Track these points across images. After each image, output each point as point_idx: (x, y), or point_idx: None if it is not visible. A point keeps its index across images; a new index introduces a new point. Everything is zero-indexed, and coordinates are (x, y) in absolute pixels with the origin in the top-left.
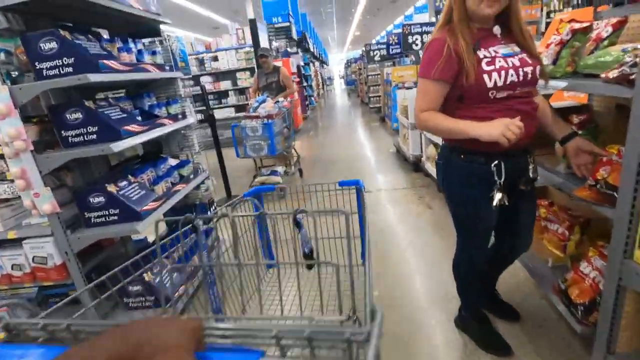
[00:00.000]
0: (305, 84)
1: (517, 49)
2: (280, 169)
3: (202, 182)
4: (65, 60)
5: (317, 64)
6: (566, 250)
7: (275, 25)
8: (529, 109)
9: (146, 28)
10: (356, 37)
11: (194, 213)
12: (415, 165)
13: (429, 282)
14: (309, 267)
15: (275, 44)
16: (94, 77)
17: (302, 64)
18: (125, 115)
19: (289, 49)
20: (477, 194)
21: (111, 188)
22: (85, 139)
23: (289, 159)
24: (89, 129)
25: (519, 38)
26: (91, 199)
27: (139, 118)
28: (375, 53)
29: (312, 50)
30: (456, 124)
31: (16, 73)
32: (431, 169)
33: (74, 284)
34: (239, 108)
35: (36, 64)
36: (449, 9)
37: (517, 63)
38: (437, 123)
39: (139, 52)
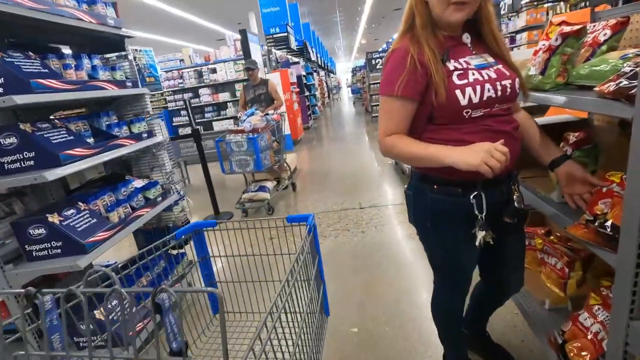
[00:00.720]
0: (307, 93)
1: (490, 59)
2: (270, 184)
3: (176, 203)
4: None
5: (322, 73)
6: (566, 290)
7: (274, 36)
8: (509, 129)
9: (109, 43)
10: (362, 46)
11: (167, 234)
12: None
13: (423, 312)
14: None
15: (277, 54)
16: (21, 99)
17: (303, 73)
18: (71, 137)
19: (290, 59)
20: (454, 232)
21: (53, 218)
22: (22, 165)
23: (280, 174)
24: (25, 154)
25: (493, 47)
26: (31, 231)
27: (91, 140)
28: (377, 61)
29: (314, 59)
30: (426, 150)
31: None
32: None
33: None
34: (236, 119)
35: None
36: (410, 14)
37: (493, 75)
38: (402, 148)
39: (93, 68)
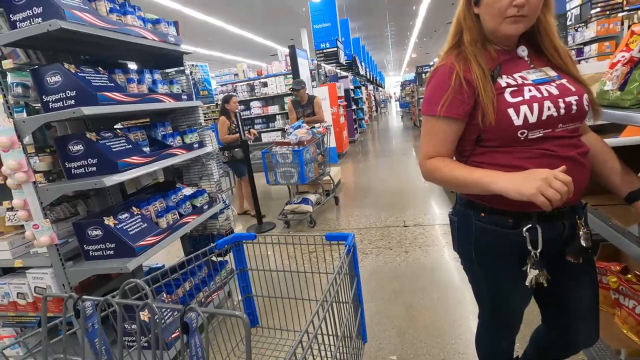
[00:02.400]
0: (354, 107)
1: (552, 73)
2: (313, 197)
3: (221, 212)
4: (68, 93)
5: (370, 86)
6: None
7: (324, 51)
8: (575, 154)
9: (169, 58)
10: (412, 60)
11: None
12: None
13: (470, 347)
14: None
15: (326, 68)
16: (89, 110)
17: (352, 87)
18: (129, 146)
19: (339, 73)
20: (501, 268)
21: (109, 221)
22: (86, 170)
23: (323, 187)
24: (89, 160)
25: (555, 59)
26: (89, 232)
27: (147, 149)
28: (427, 75)
29: (364, 73)
30: (471, 175)
31: (38, 105)
32: None
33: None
34: (284, 132)
35: (43, 96)
36: (457, 29)
37: (555, 92)
38: (444, 173)
39: (154, 82)
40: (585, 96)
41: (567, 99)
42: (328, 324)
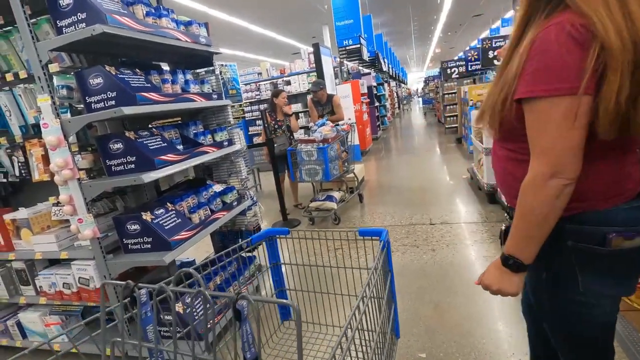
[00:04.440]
0: (377, 104)
1: None
2: (337, 194)
3: (249, 208)
4: (109, 94)
5: (392, 83)
6: None
7: (347, 48)
8: None
9: (200, 59)
10: (436, 55)
11: (240, 240)
12: (490, 196)
13: (500, 347)
14: None
15: (348, 65)
16: (129, 110)
17: (374, 84)
18: (164, 144)
19: (361, 70)
20: (622, 289)
21: (146, 216)
22: (125, 168)
23: (347, 184)
24: (128, 158)
25: None
26: (128, 226)
27: (180, 147)
28: (452, 70)
29: (386, 70)
30: None
31: (81, 106)
32: None
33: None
34: (308, 129)
35: (86, 98)
36: None
37: None
38: None
39: (186, 82)
40: None
41: None
42: (368, 319)
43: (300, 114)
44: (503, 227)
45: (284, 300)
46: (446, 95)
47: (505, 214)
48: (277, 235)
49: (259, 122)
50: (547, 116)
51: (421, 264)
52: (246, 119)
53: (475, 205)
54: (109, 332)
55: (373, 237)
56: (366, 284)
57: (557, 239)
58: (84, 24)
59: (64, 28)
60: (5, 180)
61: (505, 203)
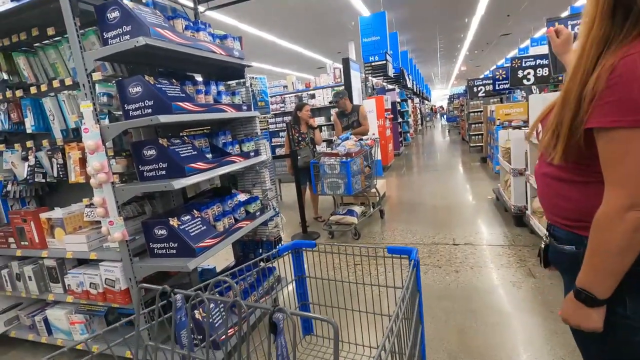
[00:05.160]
0: (400, 120)
1: None
2: (358, 208)
3: (271, 219)
4: (146, 103)
5: (416, 100)
6: None
7: (373, 64)
8: None
9: (232, 71)
10: (462, 73)
11: (260, 250)
12: (517, 219)
13: None
14: None
15: (373, 81)
16: (164, 118)
17: (398, 100)
18: (195, 152)
19: (386, 86)
20: None
21: (173, 222)
22: (157, 174)
23: (369, 199)
24: (160, 164)
25: None
26: (156, 230)
27: (209, 156)
28: (479, 89)
29: (410, 86)
30: None
31: (118, 113)
32: (537, 224)
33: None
34: (330, 143)
35: (125, 105)
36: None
37: None
38: None
39: (218, 93)
40: None
41: None
42: (398, 341)
43: (323, 127)
44: (542, 245)
45: (323, 317)
46: (472, 114)
47: (546, 233)
48: (304, 248)
49: (282, 133)
50: (626, 147)
51: (444, 285)
52: (269, 130)
53: (501, 228)
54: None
55: (402, 256)
56: (398, 304)
57: None
58: (128, 36)
59: (109, 39)
60: (44, 180)
61: (546, 220)
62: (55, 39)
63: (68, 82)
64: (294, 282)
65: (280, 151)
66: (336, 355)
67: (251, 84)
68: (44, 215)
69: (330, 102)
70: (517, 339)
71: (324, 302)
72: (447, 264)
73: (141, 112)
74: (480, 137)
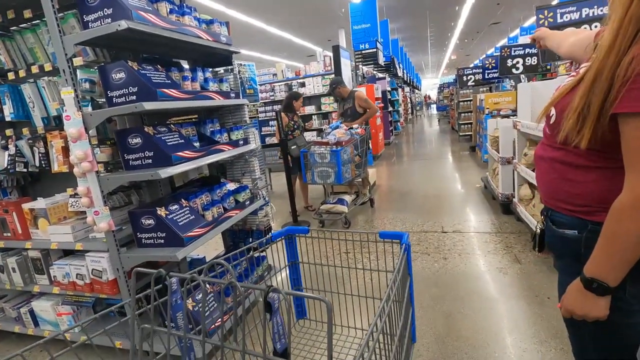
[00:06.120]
0: (391, 109)
1: None
2: (348, 197)
3: (261, 208)
4: (130, 89)
5: (406, 89)
6: None
7: (363, 52)
8: None
9: (219, 58)
10: (452, 62)
11: (250, 239)
12: (504, 207)
13: None
14: None
15: (363, 69)
16: (149, 105)
17: (389, 89)
18: (182, 141)
19: (376, 75)
20: None
21: (161, 211)
22: (143, 162)
23: (359, 188)
24: (146, 153)
25: None
26: (143, 220)
27: (197, 144)
28: (469, 78)
29: (401, 75)
30: None
31: (102, 100)
32: (524, 212)
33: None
34: (321, 132)
35: (108, 92)
36: None
37: None
38: None
39: (205, 80)
40: None
41: None
42: (389, 322)
43: (313, 116)
44: (538, 230)
45: (317, 296)
46: (461, 103)
47: (541, 217)
48: (297, 234)
49: (272, 122)
50: None
51: (432, 272)
52: (259, 119)
53: (489, 215)
54: (125, 323)
55: (394, 240)
56: (389, 285)
57: None
58: (110, 19)
59: (90, 23)
60: (25, 170)
61: (543, 204)
62: (33, 22)
63: (48, 67)
64: (287, 268)
65: (270, 140)
66: (330, 334)
67: (239, 71)
68: (26, 206)
69: (327, 92)
70: (502, 323)
71: (317, 287)
72: (435, 252)
73: (125, 99)
74: (469, 126)
